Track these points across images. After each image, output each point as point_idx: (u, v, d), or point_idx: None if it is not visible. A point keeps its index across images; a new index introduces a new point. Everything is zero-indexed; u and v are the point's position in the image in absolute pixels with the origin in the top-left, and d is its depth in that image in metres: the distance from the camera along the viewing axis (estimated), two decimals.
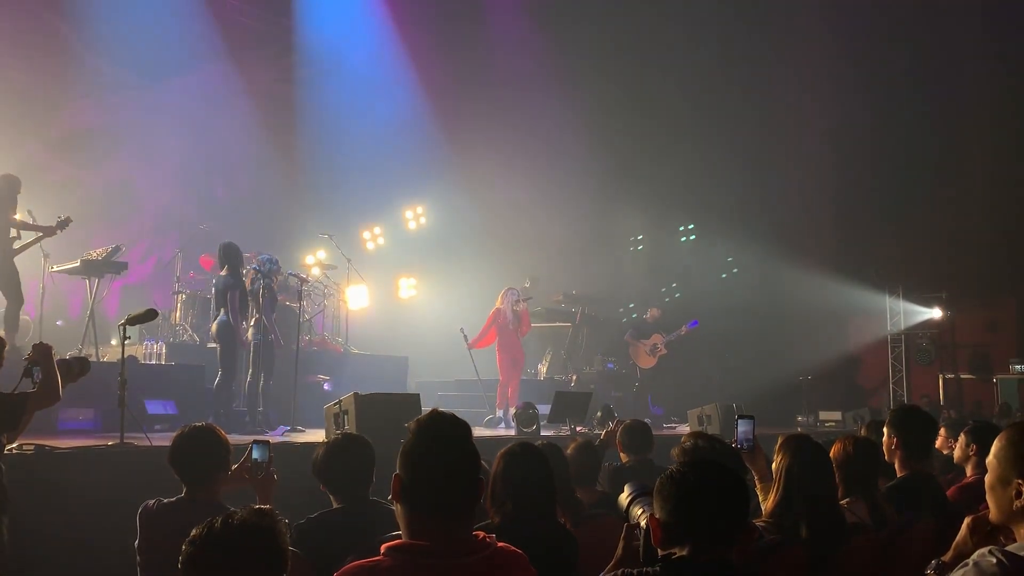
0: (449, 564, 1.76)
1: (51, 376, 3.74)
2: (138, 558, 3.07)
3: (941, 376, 13.31)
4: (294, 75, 12.52)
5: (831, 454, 3.36)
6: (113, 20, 10.22)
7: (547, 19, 13.16)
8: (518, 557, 1.93)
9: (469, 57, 13.63)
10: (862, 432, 4.63)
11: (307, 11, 12.25)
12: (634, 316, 12.41)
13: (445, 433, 1.88)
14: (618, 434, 4.87)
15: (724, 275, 13.41)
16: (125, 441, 4.90)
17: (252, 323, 7.64)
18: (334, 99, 12.24)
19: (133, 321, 4.78)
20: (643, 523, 2.00)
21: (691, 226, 13.74)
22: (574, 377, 10.79)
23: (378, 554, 1.80)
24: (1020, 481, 1.67)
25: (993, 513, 1.75)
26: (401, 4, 12.70)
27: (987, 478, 1.78)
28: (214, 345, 7.68)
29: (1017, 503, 1.68)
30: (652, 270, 13.28)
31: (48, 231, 7.49)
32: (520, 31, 13.30)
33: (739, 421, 3.82)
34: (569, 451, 4.04)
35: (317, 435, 6.90)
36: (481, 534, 1.88)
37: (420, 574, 1.74)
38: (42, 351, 3.78)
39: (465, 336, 9.77)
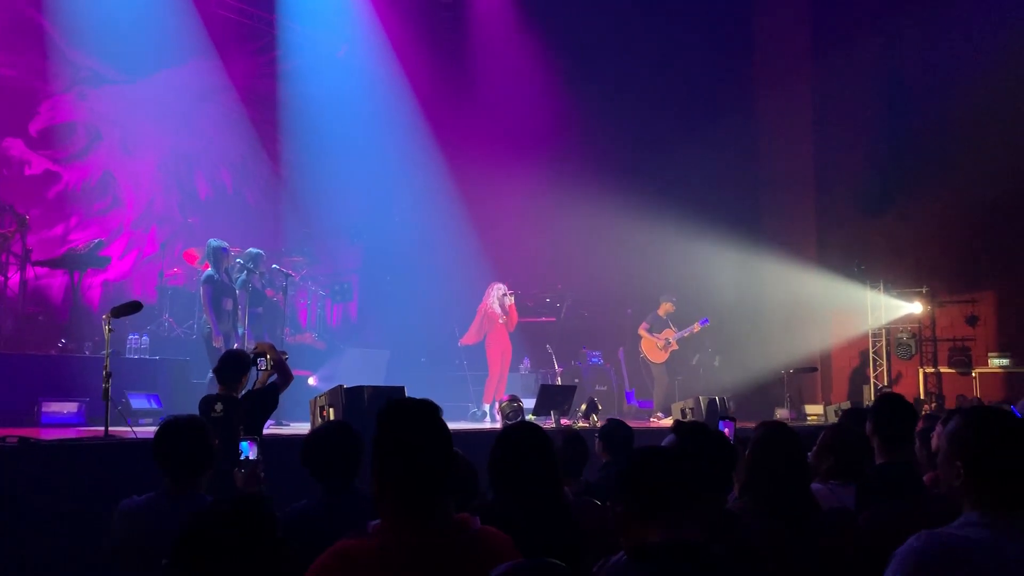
0: (431, 543, 1.79)
1: (281, 363, 5.05)
2: (113, 557, 3.03)
3: (921, 370, 13.45)
4: (278, 70, 12.47)
5: (821, 439, 3.49)
6: (94, 14, 10.15)
7: (531, 13, 13.19)
8: (502, 539, 1.95)
9: (455, 53, 13.64)
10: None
11: (291, 6, 12.20)
12: (629, 312, 12.44)
13: (409, 416, 1.91)
14: (597, 436, 4.87)
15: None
16: (110, 434, 4.90)
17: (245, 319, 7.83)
18: (318, 94, 12.21)
19: (118, 313, 4.78)
20: None
21: None
22: (559, 370, 10.84)
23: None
24: (960, 464, 1.91)
25: (944, 486, 1.95)
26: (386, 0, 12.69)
27: (940, 451, 2.02)
28: None
29: (956, 482, 1.92)
30: (636, 265, 13.33)
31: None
32: (506, 27, 13.33)
33: (720, 423, 4.02)
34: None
35: (302, 429, 6.92)
36: (464, 516, 1.90)
37: (404, 552, 1.77)
38: (267, 346, 5.14)
39: (457, 333, 9.86)
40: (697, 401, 8.88)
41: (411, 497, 1.83)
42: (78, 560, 4.06)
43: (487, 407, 9.55)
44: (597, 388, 11.15)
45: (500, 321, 9.71)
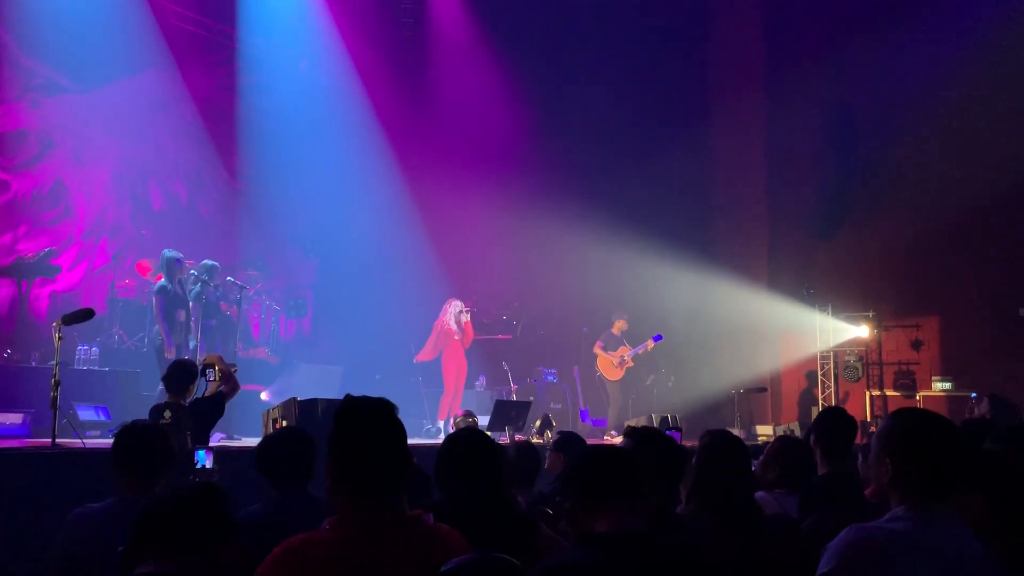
0: (386, 536, 1.83)
1: (229, 374, 5.06)
2: (64, 565, 2.97)
3: (868, 393, 13.74)
4: (237, 83, 12.40)
5: (768, 450, 3.61)
6: (49, 22, 10.02)
7: (492, 32, 13.34)
8: (455, 535, 2.00)
9: (416, 70, 13.71)
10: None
11: (251, 20, 12.16)
12: (584, 330, 12.54)
13: (364, 415, 1.95)
14: (550, 449, 4.94)
15: None
16: (57, 444, 4.81)
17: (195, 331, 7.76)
18: (277, 108, 12.16)
19: (69, 321, 4.72)
20: None
21: None
22: (514, 388, 10.89)
23: None
24: (889, 461, 2.05)
25: (875, 485, 2.03)
26: (348, 16, 12.71)
27: (871, 451, 2.15)
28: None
29: (885, 478, 2.07)
30: (591, 285, 13.48)
31: None
32: (466, 44, 13.45)
33: (667, 431, 4.17)
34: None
35: (254, 443, 6.85)
36: (418, 512, 1.94)
37: (359, 544, 1.80)
38: (215, 358, 5.14)
39: (412, 350, 9.87)
40: (650, 419, 9.00)
41: (366, 494, 1.86)
42: (24, 571, 3.98)
43: (442, 423, 9.55)
44: (552, 406, 11.21)
45: (456, 338, 9.74)
